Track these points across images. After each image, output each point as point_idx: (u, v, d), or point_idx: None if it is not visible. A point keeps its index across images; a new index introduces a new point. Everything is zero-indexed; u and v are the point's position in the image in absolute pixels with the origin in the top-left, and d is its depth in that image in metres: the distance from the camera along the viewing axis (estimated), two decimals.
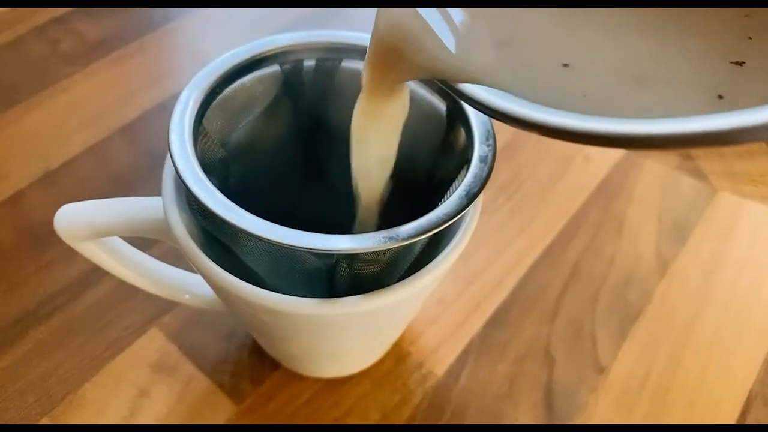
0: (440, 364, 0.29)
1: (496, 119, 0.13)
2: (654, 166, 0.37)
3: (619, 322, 0.31)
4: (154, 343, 0.29)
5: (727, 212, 0.36)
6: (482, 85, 0.13)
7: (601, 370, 0.29)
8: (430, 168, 0.24)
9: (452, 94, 0.14)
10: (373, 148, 0.16)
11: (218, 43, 0.41)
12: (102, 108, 0.37)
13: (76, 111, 0.37)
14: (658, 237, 0.34)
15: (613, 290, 0.32)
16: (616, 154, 0.38)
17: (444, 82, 0.14)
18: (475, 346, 0.30)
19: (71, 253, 0.31)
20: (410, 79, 0.15)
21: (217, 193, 0.17)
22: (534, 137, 0.38)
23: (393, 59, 0.14)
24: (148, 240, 0.27)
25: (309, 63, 0.23)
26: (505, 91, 0.13)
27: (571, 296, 0.32)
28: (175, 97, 0.37)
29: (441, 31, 0.14)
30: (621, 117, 0.10)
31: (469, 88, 0.13)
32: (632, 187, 0.37)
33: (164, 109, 0.38)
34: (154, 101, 0.38)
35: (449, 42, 0.14)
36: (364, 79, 0.15)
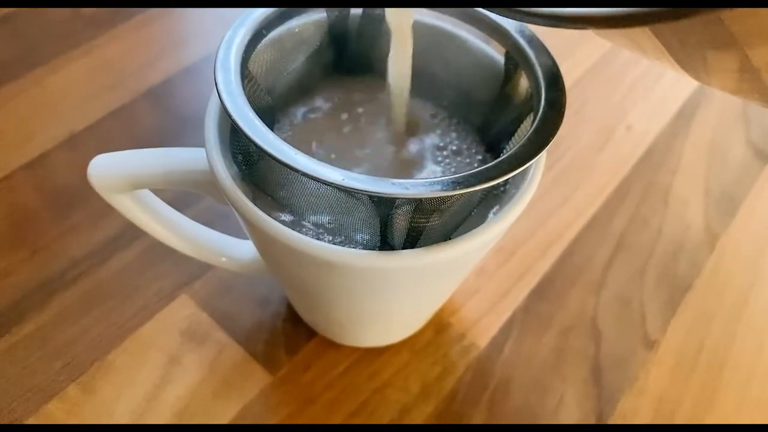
0: (483, 336, 0.28)
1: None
2: (700, 132, 0.36)
3: (668, 294, 0.30)
4: (184, 310, 0.27)
5: None
6: None
7: (651, 344, 0.28)
8: (484, 121, 0.22)
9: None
10: (397, 64, 0.21)
11: (244, 7, 0.39)
12: (126, 71, 0.36)
13: (100, 74, 0.36)
14: (706, 208, 0.33)
15: (661, 262, 0.31)
16: (658, 124, 0.36)
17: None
18: (518, 318, 0.28)
19: (97, 217, 0.30)
20: None
21: (270, 133, 0.16)
22: (572, 109, 0.37)
23: None
24: (181, 202, 0.26)
25: (356, 10, 0.22)
26: None
27: (617, 268, 0.30)
28: (201, 60, 0.35)
29: None
30: None
31: None
32: (677, 157, 0.35)
33: (189, 73, 0.36)
34: (178, 65, 0.37)
35: None
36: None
